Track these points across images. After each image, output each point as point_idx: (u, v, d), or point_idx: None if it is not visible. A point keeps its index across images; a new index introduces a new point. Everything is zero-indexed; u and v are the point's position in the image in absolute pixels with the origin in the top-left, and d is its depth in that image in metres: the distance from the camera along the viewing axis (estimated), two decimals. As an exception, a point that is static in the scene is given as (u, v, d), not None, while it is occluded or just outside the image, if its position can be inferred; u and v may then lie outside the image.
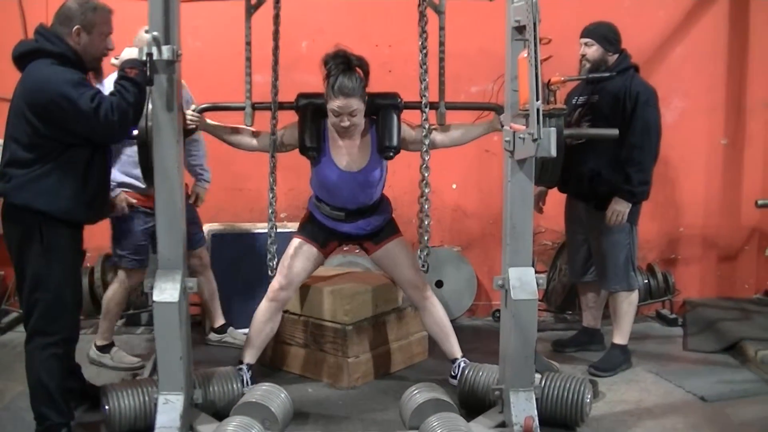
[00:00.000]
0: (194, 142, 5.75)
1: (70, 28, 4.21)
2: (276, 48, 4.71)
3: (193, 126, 4.75)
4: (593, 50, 5.39)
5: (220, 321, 6.16)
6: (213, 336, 6.19)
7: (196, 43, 6.41)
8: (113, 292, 5.61)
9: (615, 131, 4.91)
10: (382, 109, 4.91)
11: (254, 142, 4.92)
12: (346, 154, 4.96)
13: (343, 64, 4.75)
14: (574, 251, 5.85)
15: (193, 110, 4.76)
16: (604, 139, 5.06)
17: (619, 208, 5.32)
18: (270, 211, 4.87)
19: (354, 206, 5.07)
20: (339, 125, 4.81)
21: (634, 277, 5.58)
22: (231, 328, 6.07)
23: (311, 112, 4.90)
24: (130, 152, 5.26)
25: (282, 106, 4.83)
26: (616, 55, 5.43)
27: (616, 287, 5.55)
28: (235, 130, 4.91)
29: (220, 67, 6.45)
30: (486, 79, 5.18)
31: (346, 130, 4.84)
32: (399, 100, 4.93)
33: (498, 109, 4.78)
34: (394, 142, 4.89)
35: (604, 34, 5.40)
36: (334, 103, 4.73)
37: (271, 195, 4.86)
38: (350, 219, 5.10)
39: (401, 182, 6.20)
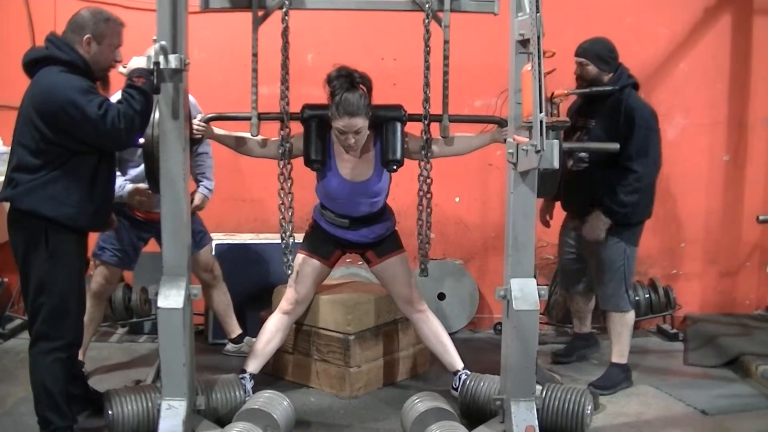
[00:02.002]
0: (202, 154, 5.79)
1: (81, 36, 4.25)
2: (285, 60, 4.74)
3: (199, 135, 4.79)
4: (588, 70, 5.35)
5: (236, 331, 6.16)
6: (230, 346, 6.20)
7: (202, 54, 6.44)
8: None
9: (616, 145, 4.93)
10: (386, 122, 4.94)
11: (262, 148, 4.94)
12: (351, 165, 5.00)
13: (347, 83, 4.79)
14: (567, 262, 5.86)
15: (200, 120, 4.80)
16: (604, 152, 5.08)
17: (596, 222, 5.31)
18: (285, 217, 4.89)
19: (358, 214, 5.12)
20: (344, 143, 4.85)
21: (626, 298, 5.54)
22: (248, 338, 6.07)
23: (316, 124, 4.92)
24: (134, 173, 5.32)
25: (289, 116, 4.86)
26: (611, 74, 5.39)
27: (607, 307, 5.56)
28: (242, 138, 4.94)
29: (225, 79, 6.49)
30: (489, 93, 5.22)
31: (350, 147, 4.89)
32: (403, 112, 4.96)
33: (501, 122, 4.82)
34: (398, 155, 4.92)
35: (599, 52, 5.36)
36: (339, 123, 4.76)
37: (283, 203, 4.87)
38: (354, 227, 5.15)
39: (405, 195, 6.21)
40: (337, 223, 5.16)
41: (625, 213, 5.32)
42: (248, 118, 4.82)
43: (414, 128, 4.97)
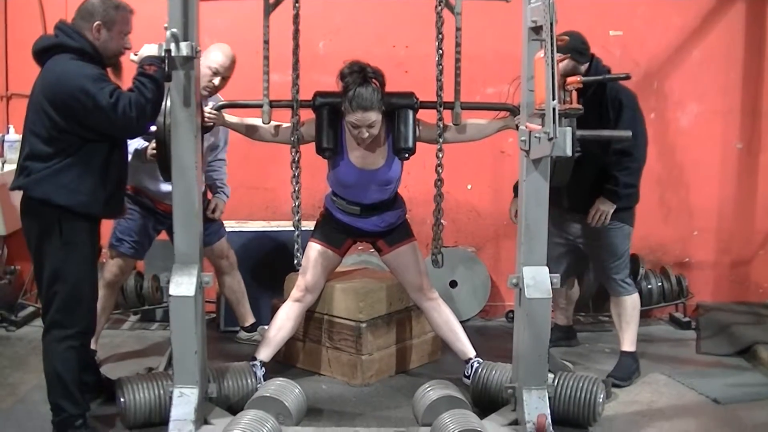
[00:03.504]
0: (220, 161, 5.84)
1: (90, 23, 4.25)
2: (296, 47, 4.73)
3: (211, 123, 4.78)
4: (564, 64, 5.17)
5: (250, 320, 6.16)
6: (243, 335, 6.20)
7: (213, 41, 6.42)
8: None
9: (628, 133, 4.90)
10: (398, 110, 4.94)
11: (274, 134, 4.94)
12: (362, 153, 5.00)
13: (360, 78, 4.79)
14: (556, 256, 5.76)
15: (212, 107, 4.80)
16: (617, 140, 5.06)
17: (604, 207, 5.28)
18: (295, 204, 4.86)
19: (369, 202, 5.12)
20: (358, 137, 4.86)
21: (632, 280, 5.60)
22: (261, 327, 6.06)
23: (328, 112, 4.91)
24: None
25: (300, 104, 4.85)
26: (586, 64, 5.33)
27: (619, 293, 5.53)
28: (254, 125, 4.93)
29: (237, 66, 6.46)
30: (502, 80, 5.18)
31: (364, 141, 4.89)
32: (415, 100, 4.95)
33: (513, 110, 4.80)
34: (410, 143, 4.91)
35: (574, 46, 5.20)
36: (353, 117, 4.77)
37: (294, 190, 4.85)
38: (365, 214, 5.15)
39: (416, 183, 6.23)
40: (348, 210, 5.15)
41: (628, 194, 5.33)
42: (260, 106, 4.80)
43: (425, 115, 4.96)
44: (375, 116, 4.79)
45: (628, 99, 5.30)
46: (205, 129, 4.73)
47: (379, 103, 4.78)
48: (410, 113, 4.92)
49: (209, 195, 5.80)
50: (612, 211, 5.30)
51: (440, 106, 4.80)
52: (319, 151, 4.95)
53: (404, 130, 4.91)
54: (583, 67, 5.29)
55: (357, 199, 5.12)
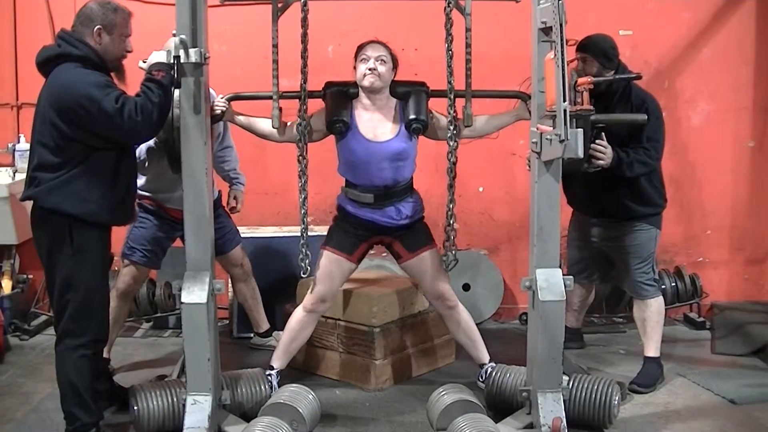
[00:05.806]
0: (227, 148, 5.79)
1: (91, 28, 4.25)
2: (304, 50, 4.72)
3: (218, 111, 4.76)
4: (591, 66, 5.22)
5: (264, 326, 6.14)
6: (257, 340, 6.19)
7: (222, 47, 6.44)
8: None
9: (644, 116, 4.89)
10: (409, 93, 4.95)
11: (282, 132, 4.92)
12: (374, 126, 4.95)
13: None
14: (575, 255, 5.76)
15: (221, 98, 4.80)
16: (632, 124, 5.02)
17: (609, 152, 5.02)
18: (302, 212, 4.83)
19: (382, 183, 4.98)
20: (366, 71, 4.85)
21: (657, 284, 5.55)
22: (276, 332, 6.05)
23: (339, 93, 4.97)
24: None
25: (311, 94, 4.84)
26: (612, 71, 5.25)
27: (643, 296, 5.47)
28: (262, 122, 4.93)
29: (246, 72, 6.48)
30: (511, 82, 5.16)
31: (371, 75, 4.86)
32: (427, 87, 4.99)
33: (523, 97, 4.78)
34: (422, 115, 4.89)
35: (604, 50, 5.23)
36: (363, 50, 4.88)
37: (300, 183, 4.83)
38: (379, 204, 5.00)
39: (428, 184, 6.18)
40: (361, 200, 5.02)
41: (631, 172, 5.16)
42: (269, 97, 4.81)
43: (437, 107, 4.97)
44: (385, 53, 4.88)
45: (653, 106, 5.25)
46: (213, 119, 4.70)
47: (390, 53, 4.91)
48: (423, 94, 4.96)
49: (223, 201, 5.80)
50: (609, 160, 5.01)
51: (451, 92, 4.78)
52: (330, 125, 4.91)
53: (417, 103, 4.92)
54: (609, 73, 5.24)
55: (369, 181, 4.98)
